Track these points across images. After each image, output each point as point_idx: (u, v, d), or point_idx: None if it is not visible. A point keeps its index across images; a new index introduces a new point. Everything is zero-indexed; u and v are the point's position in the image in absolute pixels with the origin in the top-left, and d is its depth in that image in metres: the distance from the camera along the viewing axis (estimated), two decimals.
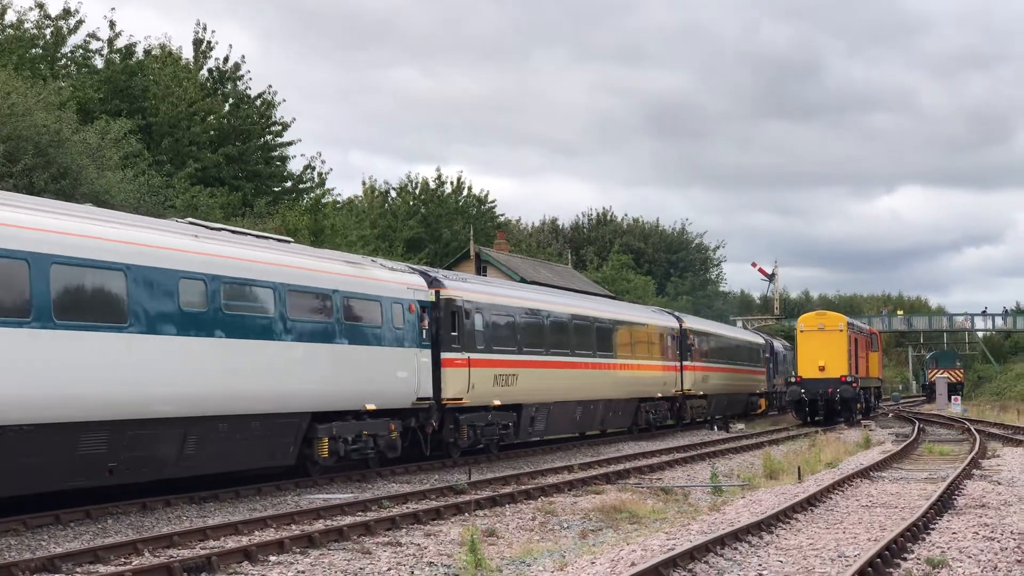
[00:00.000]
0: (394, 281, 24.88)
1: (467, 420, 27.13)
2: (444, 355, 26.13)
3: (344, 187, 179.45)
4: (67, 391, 16.16)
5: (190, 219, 22.21)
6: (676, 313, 47.28)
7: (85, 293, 16.67)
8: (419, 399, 25.05)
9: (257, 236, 22.41)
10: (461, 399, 26.58)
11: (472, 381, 27.10)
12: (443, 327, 26.30)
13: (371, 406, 23.18)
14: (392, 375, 24.11)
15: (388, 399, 23.91)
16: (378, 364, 23.60)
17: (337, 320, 22.26)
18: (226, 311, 19.22)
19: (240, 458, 20.23)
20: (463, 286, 28.07)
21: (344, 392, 22.48)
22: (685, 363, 43.62)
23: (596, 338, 35.23)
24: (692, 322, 47.16)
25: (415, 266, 29.14)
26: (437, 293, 26.51)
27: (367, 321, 23.37)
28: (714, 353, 48.11)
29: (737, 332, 57.62)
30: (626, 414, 38.52)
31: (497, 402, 28.30)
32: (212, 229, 20.83)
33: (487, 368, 28.00)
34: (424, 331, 25.39)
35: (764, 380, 58.74)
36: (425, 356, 25.32)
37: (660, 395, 40.90)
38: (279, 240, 23.18)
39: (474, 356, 27.35)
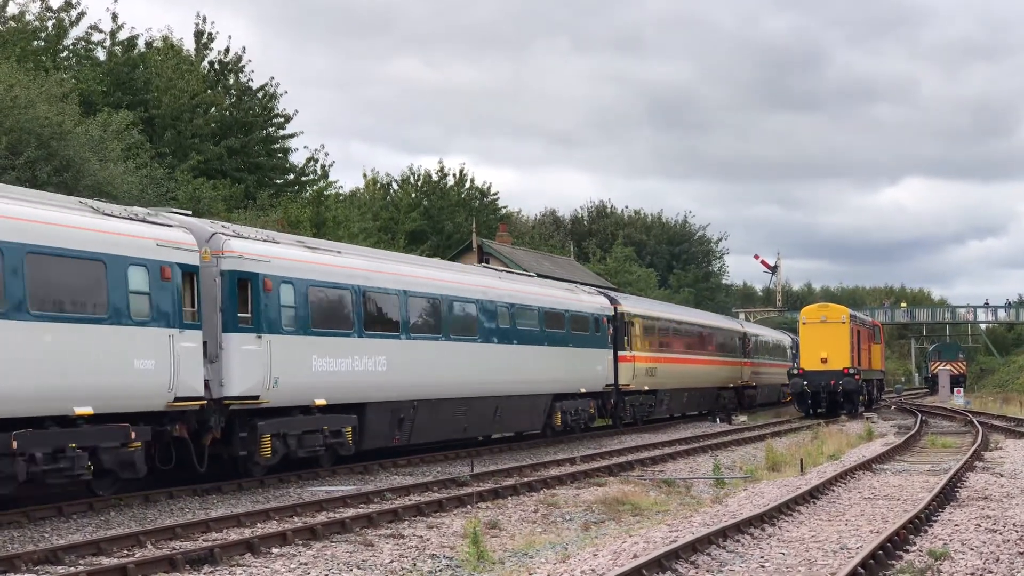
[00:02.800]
0: (593, 302, 35.59)
1: (630, 400, 37.91)
2: (620, 353, 36.53)
3: (344, 177, 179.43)
4: (452, 379, 26.01)
5: (483, 264, 35.88)
6: (739, 320, 60.73)
7: (462, 318, 26.67)
8: (607, 385, 35.45)
9: (518, 274, 34.39)
10: (629, 384, 37.19)
11: (635, 372, 37.71)
12: (618, 333, 36.62)
13: (583, 389, 33.50)
14: (594, 368, 34.48)
15: (591, 385, 34.27)
16: (588, 360, 33.98)
17: (567, 331, 32.44)
18: (517, 327, 29.36)
19: (517, 423, 30.63)
20: (629, 302, 39.29)
21: (571, 380, 32.74)
22: (744, 359, 53.93)
23: (701, 340, 46.62)
24: (749, 327, 59.22)
25: (599, 287, 40.38)
26: (615, 308, 36.83)
27: (582, 331, 33.53)
28: (761, 351, 58.40)
29: (774, 333, 66.51)
30: (711, 399, 48.84)
31: (646, 387, 39.08)
32: (500, 271, 31.95)
33: (643, 363, 38.54)
34: (609, 336, 35.60)
35: None
36: (609, 354, 35.82)
37: (732, 385, 52.04)
38: (528, 275, 34.44)
39: (636, 354, 37.88)
